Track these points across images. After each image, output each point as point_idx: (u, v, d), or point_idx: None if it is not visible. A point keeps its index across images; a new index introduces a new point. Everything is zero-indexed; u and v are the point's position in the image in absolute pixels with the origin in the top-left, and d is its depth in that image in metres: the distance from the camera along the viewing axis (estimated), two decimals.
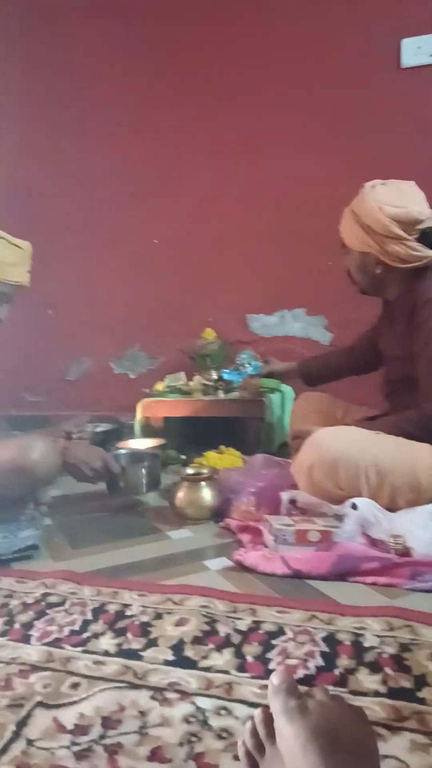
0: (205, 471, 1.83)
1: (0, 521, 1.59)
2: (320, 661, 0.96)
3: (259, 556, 1.40)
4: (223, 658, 0.98)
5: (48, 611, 1.17)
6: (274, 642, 1.02)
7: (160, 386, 2.72)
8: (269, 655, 0.98)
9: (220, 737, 0.79)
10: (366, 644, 1.00)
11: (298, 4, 2.82)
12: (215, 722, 0.82)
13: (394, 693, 0.87)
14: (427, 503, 1.51)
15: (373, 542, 1.43)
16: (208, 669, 0.95)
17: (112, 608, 1.17)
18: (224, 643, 1.03)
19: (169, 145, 3.05)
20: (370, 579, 1.29)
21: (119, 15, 3.09)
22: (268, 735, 0.62)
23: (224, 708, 0.85)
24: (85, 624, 1.11)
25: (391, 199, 1.69)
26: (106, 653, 1.01)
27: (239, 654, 0.99)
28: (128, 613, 1.15)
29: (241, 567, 1.38)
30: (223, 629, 1.07)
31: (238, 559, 1.41)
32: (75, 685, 0.92)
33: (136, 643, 1.04)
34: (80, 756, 0.76)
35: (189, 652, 1.00)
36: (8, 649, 1.03)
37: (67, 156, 3.23)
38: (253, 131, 2.93)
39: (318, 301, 2.85)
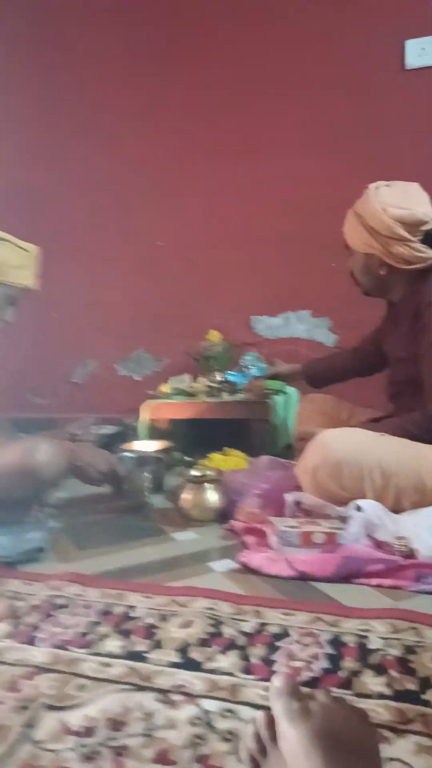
0: (209, 473, 1.83)
1: (6, 523, 1.59)
2: (325, 663, 0.96)
3: (264, 558, 1.40)
4: (228, 660, 0.98)
5: (54, 613, 1.17)
6: (279, 644, 1.03)
7: (164, 388, 2.72)
8: (274, 657, 0.99)
9: (225, 739, 0.79)
10: (371, 646, 1.00)
11: (303, 5, 2.82)
12: (220, 724, 0.82)
13: (399, 695, 0.87)
14: None
15: (378, 544, 1.43)
16: (213, 671, 0.95)
17: (117, 610, 1.18)
18: (229, 645, 1.03)
19: (173, 147, 3.06)
20: (375, 581, 1.29)
21: (122, 18, 3.10)
22: (271, 738, 0.62)
23: (229, 710, 0.85)
24: (91, 626, 1.12)
25: (396, 200, 1.69)
26: (112, 655, 1.01)
27: (244, 656, 0.99)
28: (133, 615, 1.15)
29: (246, 569, 1.39)
30: (228, 631, 1.08)
31: (243, 561, 1.41)
32: (81, 687, 0.92)
33: (141, 645, 1.04)
34: (86, 758, 0.77)
35: (194, 654, 1.01)
36: (14, 651, 1.04)
37: (71, 159, 3.24)
38: (257, 133, 2.93)
39: (323, 302, 2.85)
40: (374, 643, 1.01)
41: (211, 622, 1.11)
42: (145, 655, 1.01)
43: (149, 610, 1.17)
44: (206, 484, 1.78)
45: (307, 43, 2.83)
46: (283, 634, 1.06)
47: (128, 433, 2.66)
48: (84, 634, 1.09)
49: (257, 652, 1.01)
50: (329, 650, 1.00)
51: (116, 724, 0.83)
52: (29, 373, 3.30)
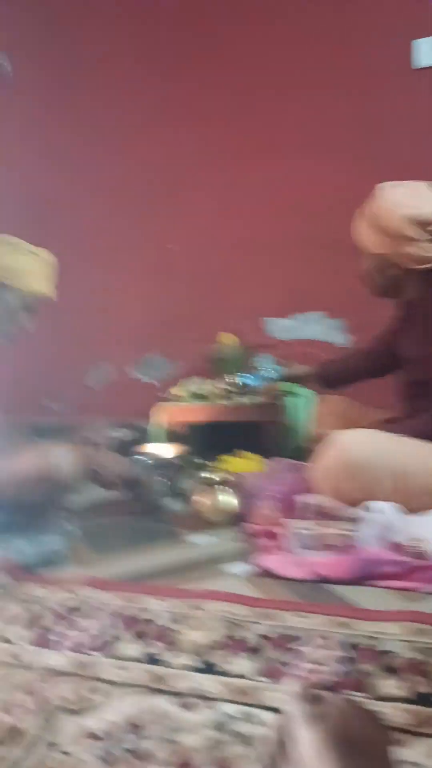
0: (225, 476, 1.84)
1: (23, 528, 1.61)
2: (340, 666, 0.97)
3: (280, 561, 1.41)
4: (245, 663, 0.99)
5: (71, 617, 1.19)
6: (295, 647, 1.03)
7: (177, 390, 2.73)
8: (291, 660, 0.99)
9: (243, 742, 0.80)
10: (385, 649, 1.01)
11: (314, 6, 2.80)
12: (239, 727, 0.83)
13: (414, 698, 0.88)
14: None
15: (393, 546, 1.43)
16: (231, 674, 0.96)
17: (135, 614, 1.19)
18: (247, 648, 1.04)
19: (184, 151, 3.06)
20: (389, 583, 1.30)
21: (132, 25, 3.11)
22: (286, 741, 0.63)
23: (247, 713, 0.86)
24: (109, 630, 1.13)
25: (406, 200, 1.69)
26: (129, 659, 1.03)
27: (261, 659, 1.00)
28: (151, 618, 1.17)
29: (263, 571, 1.40)
30: (245, 634, 1.09)
31: (260, 564, 1.42)
32: (99, 691, 0.93)
33: (159, 649, 1.05)
34: (104, 761, 0.78)
35: (212, 657, 1.02)
36: (33, 655, 1.05)
37: (84, 165, 3.26)
38: (267, 134, 2.93)
39: (336, 303, 2.84)
40: (389, 645, 1.02)
41: (228, 625, 1.12)
42: (163, 658, 1.02)
43: (166, 614, 1.18)
44: (222, 487, 1.78)
45: (318, 45, 2.81)
46: (300, 637, 1.06)
47: (143, 437, 2.67)
48: (101, 638, 1.10)
49: (274, 655, 1.01)
50: (344, 653, 1.00)
51: (134, 728, 0.84)
52: (45, 378, 3.33)
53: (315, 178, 2.82)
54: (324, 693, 0.64)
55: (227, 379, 2.66)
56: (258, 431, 2.45)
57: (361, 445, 1.60)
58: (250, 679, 0.95)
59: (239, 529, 1.71)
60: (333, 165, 2.78)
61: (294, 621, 1.13)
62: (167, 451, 2.24)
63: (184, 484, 2.06)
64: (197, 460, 2.31)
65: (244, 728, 0.83)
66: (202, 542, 1.65)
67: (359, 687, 0.91)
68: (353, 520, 1.51)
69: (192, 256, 3.08)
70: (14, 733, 0.84)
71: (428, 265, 1.70)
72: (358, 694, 0.89)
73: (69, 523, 1.77)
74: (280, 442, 2.38)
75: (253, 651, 1.03)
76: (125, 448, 2.31)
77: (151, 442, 2.49)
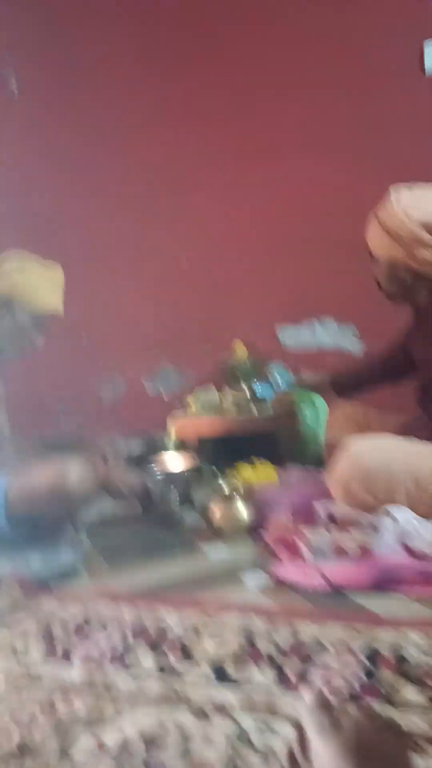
0: (239, 486, 1.82)
1: (38, 543, 1.61)
2: (362, 675, 0.95)
3: (297, 570, 1.39)
4: (263, 675, 0.97)
5: (88, 631, 1.18)
6: (314, 657, 1.01)
7: (191, 401, 2.73)
8: (310, 671, 0.97)
9: (262, 755, 0.78)
10: (408, 657, 0.99)
11: (322, 10, 2.81)
12: (257, 740, 0.81)
13: None
14: None
15: (413, 552, 1.41)
16: (248, 686, 0.95)
17: (151, 626, 1.18)
18: (264, 660, 1.02)
19: (189, 156, 3.06)
20: (410, 590, 1.27)
21: (134, 21, 3.11)
22: (304, 753, 0.62)
23: (266, 725, 0.84)
24: (125, 643, 1.12)
25: (417, 203, 1.67)
26: (147, 672, 1.01)
27: (279, 670, 0.98)
28: (167, 630, 1.15)
29: (279, 582, 1.38)
30: (263, 645, 1.07)
31: (276, 574, 1.40)
32: (116, 705, 0.92)
33: (176, 661, 1.04)
34: None
35: (229, 669, 1.00)
36: (49, 670, 1.04)
37: (87, 171, 3.27)
38: (271, 137, 2.93)
39: (347, 309, 2.84)
40: (411, 653, 1.00)
41: (245, 637, 1.10)
42: (180, 671, 1.01)
43: (183, 626, 1.17)
44: (236, 498, 1.77)
45: (318, 45, 2.79)
46: (319, 647, 1.04)
47: (156, 449, 2.67)
48: (118, 651, 1.09)
49: (292, 665, 0.99)
50: (365, 662, 0.98)
51: (153, 742, 0.82)
52: (57, 392, 3.34)
53: (323, 182, 2.83)
54: (338, 702, 0.63)
55: (240, 389, 2.65)
56: (272, 440, 2.43)
57: (376, 452, 1.58)
58: (267, 690, 0.93)
59: (254, 539, 1.69)
60: (342, 168, 2.79)
61: (312, 630, 1.11)
62: (181, 462, 2.23)
63: (198, 496, 2.05)
64: (211, 471, 2.30)
65: (262, 740, 0.81)
66: (217, 553, 1.63)
67: (380, 696, 0.89)
68: (370, 527, 1.49)
69: (200, 266, 3.09)
70: (27, 747, 0.83)
71: None
72: (382, 702, 0.87)
73: (82, 536, 1.77)
74: (294, 450, 2.36)
75: (271, 661, 1.01)
76: (138, 461, 2.31)
77: (165, 453, 2.48)
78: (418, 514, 1.48)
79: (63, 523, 1.71)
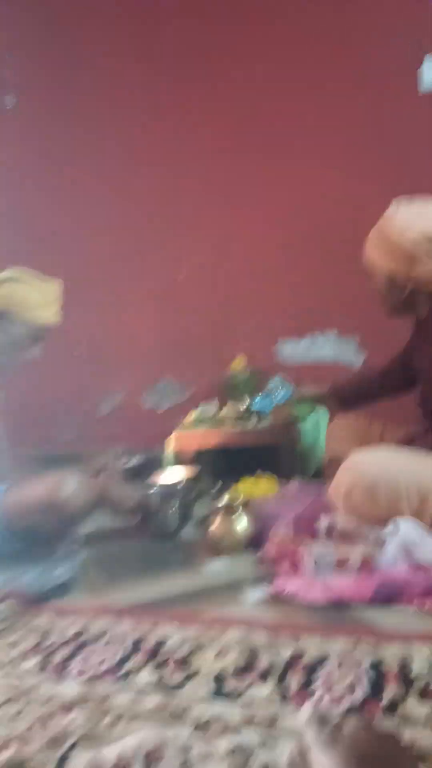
0: (239, 500, 1.80)
1: (35, 558, 1.59)
2: (366, 690, 0.92)
3: (299, 584, 1.36)
4: (265, 690, 0.95)
5: (85, 647, 1.15)
6: (317, 671, 0.99)
7: (190, 416, 2.71)
8: (313, 685, 0.95)
9: None
10: (413, 671, 0.96)
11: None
12: (259, 755, 0.79)
13: None
14: None
15: (417, 566, 1.38)
16: (250, 701, 0.92)
17: (150, 642, 1.15)
18: (266, 674, 0.99)
19: (190, 174, 3.07)
20: (414, 603, 1.25)
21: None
22: (305, 766, 0.60)
23: (268, 740, 0.82)
24: (124, 658, 1.09)
25: (416, 217, 1.67)
26: (146, 687, 0.99)
27: (282, 685, 0.96)
28: (167, 646, 1.13)
29: (280, 596, 1.35)
30: (264, 660, 1.04)
31: (277, 589, 1.37)
32: (115, 721, 0.89)
33: (175, 677, 1.01)
34: None
35: (230, 684, 0.98)
36: (47, 686, 1.01)
37: (88, 196, 3.28)
38: (275, 153, 2.94)
39: (349, 322, 2.82)
40: (417, 667, 0.97)
41: (246, 651, 1.07)
42: (179, 686, 0.98)
43: (183, 641, 1.14)
44: (236, 512, 1.74)
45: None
46: (322, 661, 1.02)
47: (155, 464, 2.64)
48: (116, 667, 1.06)
49: (295, 680, 0.97)
50: (370, 676, 0.96)
51: (152, 758, 0.80)
52: (55, 407, 3.31)
53: (323, 195, 2.82)
54: (338, 715, 0.61)
55: (240, 402, 2.63)
56: (274, 454, 2.41)
57: (379, 465, 1.56)
58: (268, 704, 0.90)
59: (255, 553, 1.66)
60: (341, 180, 2.78)
61: (315, 645, 1.08)
62: (180, 477, 2.21)
63: (198, 509, 2.03)
64: (211, 486, 2.28)
65: (266, 756, 0.78)
66: (218, 568, 1.60)
67: (387, 711, 0.86)
68: (373, 539, 1.46)
69: (200, 281, 3.08)
70: (26, 764, 0.80)
71: None
72: (387, 717, 0.85)
73: (79, 550, 1.74)
74: (296, 464, 2.34)
75: (274, 677, 0.98)
76: (137, 476, 2.28)
77: (164, 468, 2.46)
78: (422, 527, 1.46)
79: (59, 536, 1.69)
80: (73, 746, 0.84)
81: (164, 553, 1.77)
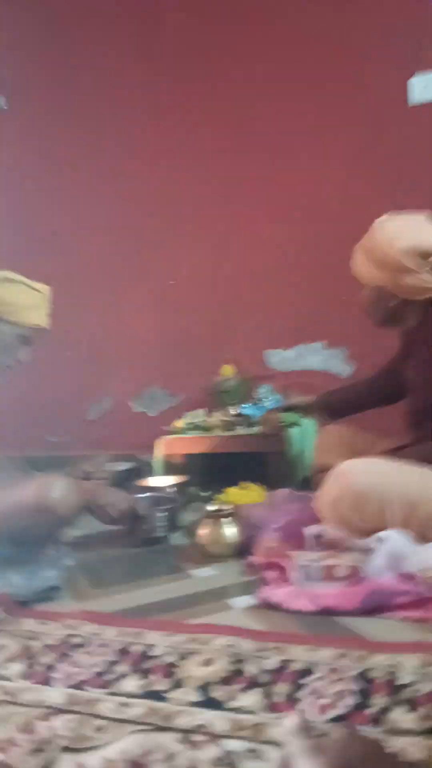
0: (227, 508, 1.80)
1: (21, 562, 1.57)
2: (353, 700, 0.92)
3: (286, 593, 1.36)
4: (251, 699, 0.94)
5: (71, 653, 1.14)
6: (303, 681, 0.98)
7: (179, 423, 2.71)
8: (299, 695, 0.94)
9: None
10: (401, 681, 0.96)
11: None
12: (244, 765, 0.78)
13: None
14: None
15: (404, 576, 1.39)
16: (236, 710, 0.92)
17: (136, 649, 1.14)
18: (252, 684, 0.99)
19: (186, 182, 3.08)
20: (401, 614, 1.25)
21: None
22: None
23: (254, 750, 0.81)
24: (109, 665, 1.08)
25: (404, 232, 1.69)
26: (131, 695, 0.98)
27: (267, 694, 0.96)
28: (153, 653, 1.12)
29: (267, 605, 1.35)
30: (250, 669, 1.04)
31: (264, 597, 1.37)
32: (99, 729, 0.89)
33: (161, 685, 1.00)
34: None
35: (216, 692, 0.97)
36: (31, 692, 1.00)
37: (86, 198, 3.28)
38: (268, 165, 2.95)
39: (338, 333, 2.84)
40: (404, 677, 0.97)
41: (232, 660, 1.07)
42: (164, 694, 0.97)
43: (168, 649, 1.13)
44: (223, 519, 1.74)
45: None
46: (308, 671, 1.01)
47: (143, 470, 2.64)
48: (101, 674, 1.05)
49: (281, 689, 0.96)
50: (357, 686, 0.95)
51: (138, 766, 0.79)
52: (44, 411, 3.30)
53: (315, 210, 2.84)
54: (325, 724, 0.61)
55: (229, 411, 2.64)
56: (262, 462, 2.42)
57: (367, 474, 1.57)
58: (256, 715, 0.90)
59: (242, 561, 1.66)
60: (335, 195, 2.80)
61: (301, 654, 1.08)
62: (168, 483, 2.21)
63: (186, 517, 2.02)
64: (199, 493, 2.27)
65: (251, 766, 0.78)
66: (205, 575, 1.60)
67: (374, 721, 0.86)
68: (361, 550, 1.47)
69: (192, 289, 3.09)
70: None
71: (427, 296, 1.70)
72: (375, 728, 0.85)
73: (67, 556, 1.73)
74: (284, 472, 2.35)
75: (260, 686, 0.98)
76: (126, 481, 2.28)
77: (153, 474, 2.45)
78: (410, 537, 1.47)
79: (45, 541, 1.68)
80: (58, 753, 0.83)
81: (152, 559, 1.76)
